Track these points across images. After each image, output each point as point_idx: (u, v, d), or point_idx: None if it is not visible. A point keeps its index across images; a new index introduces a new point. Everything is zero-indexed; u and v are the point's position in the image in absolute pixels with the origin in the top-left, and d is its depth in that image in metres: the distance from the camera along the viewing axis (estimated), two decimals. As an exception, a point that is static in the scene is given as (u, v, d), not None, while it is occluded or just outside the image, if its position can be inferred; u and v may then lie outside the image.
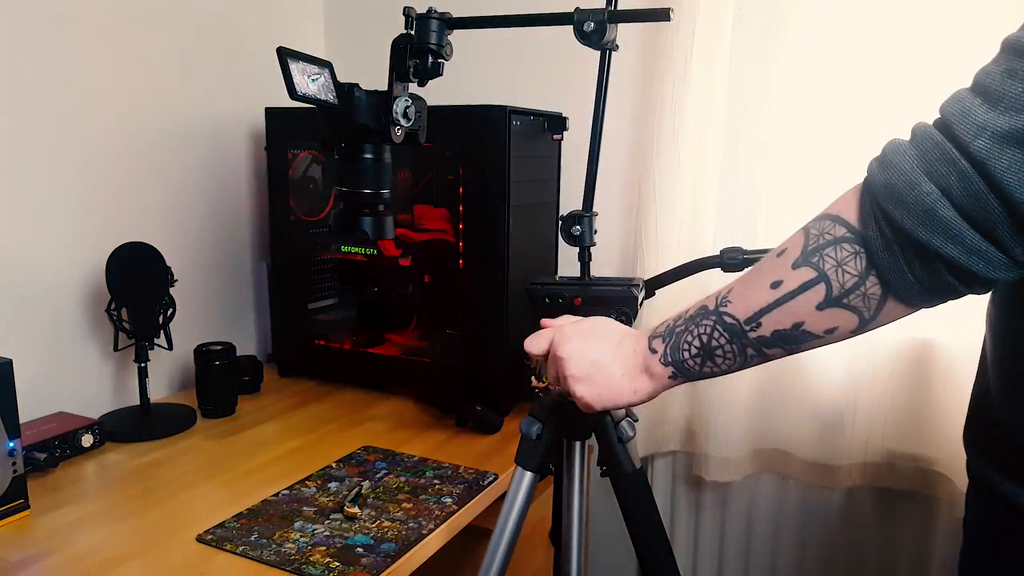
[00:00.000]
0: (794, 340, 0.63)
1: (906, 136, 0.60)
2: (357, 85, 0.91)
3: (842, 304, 0.59)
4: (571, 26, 0.82)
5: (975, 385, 0.74)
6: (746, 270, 0.68)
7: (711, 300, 0.68)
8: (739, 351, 0.66)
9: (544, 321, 0.84)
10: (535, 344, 0.82)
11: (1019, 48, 0.52)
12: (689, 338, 0.68)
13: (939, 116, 0.55)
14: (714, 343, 0.66)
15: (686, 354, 0.69)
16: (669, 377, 0.71)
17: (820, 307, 0.60)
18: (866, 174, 0.59)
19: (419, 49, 0.90)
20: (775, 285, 0.62)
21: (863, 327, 0.61)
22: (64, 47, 1.28)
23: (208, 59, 1.55)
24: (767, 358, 0.66)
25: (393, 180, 1.00)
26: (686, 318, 0.69)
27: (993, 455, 0.70)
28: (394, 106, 0.90)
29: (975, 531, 0.73)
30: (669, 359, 0.70)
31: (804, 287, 0.60)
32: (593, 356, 0.75)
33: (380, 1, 1.74)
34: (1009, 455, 0.67)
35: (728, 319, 0.65)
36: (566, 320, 0.83)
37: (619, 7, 0.82)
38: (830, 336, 0.62)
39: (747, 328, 0.64)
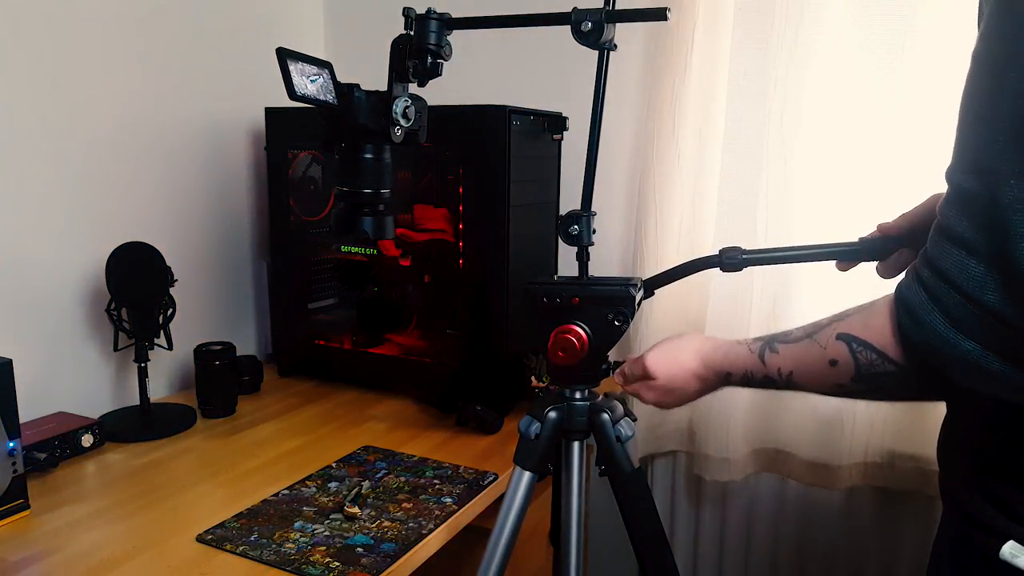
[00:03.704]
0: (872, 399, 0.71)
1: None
2: (357, 85, 0.91)
3: (909, 397, 0.69)
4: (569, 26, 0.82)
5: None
6: (790, 358, 0.72)
7: (772, 367, 0.74)
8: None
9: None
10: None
11: (966, 192, 0.55)
12: (771, 388, 0.76)
13: (935, 265, 0.57)
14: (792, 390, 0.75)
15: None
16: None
17: (889, 396, 0.71)
18: (898, 321, 0.61)
19: (418, 49, 0.90)
20: (840, 386, 0.68)
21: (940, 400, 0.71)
22: (64, 47, 1.28)
23: (208, 59, 1.55)
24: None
25: (393, 180, 1.00)
26: (760, 380, 0.76)
27: (953, 465, 0.72)
28: (394, 106, 0.90)
29: (940, 542, 0.75)
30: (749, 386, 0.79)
31: (869, 391, 0.67)
32: (679, 395, 0.86)
33: (380, 1, 1.74)
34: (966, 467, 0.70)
35: (801, 389, 0.73)
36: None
37: (618, 7, 0.82)
38: (902, 401, 0.71)
39: (822, 393, 0.72)
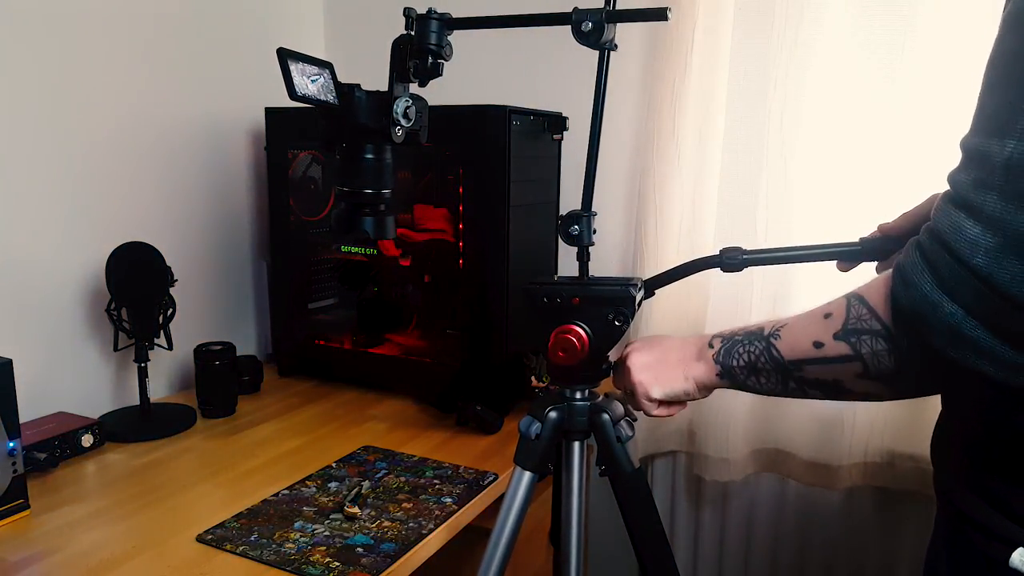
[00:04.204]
0: (833, 392, 0.68)
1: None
2: (358, 85, 0.91)
3: (880, 379, 0.64)
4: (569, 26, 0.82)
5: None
6: (792, 316, 0.72)
7: (768, 324, 0.73)
8: (780, 381, 0.72)
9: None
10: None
11: (980, 155, 0.54)
12: (741, 350, 0.74)
13: (933, 227, 0.57)
14: (760, 365, 0.73)
15: (735, 362, 0.75)
16: (717, 375, 0.78)
17: (859, 377, 0.65)
18: (892, 285, 0.60)
19: (419, 49, 0.90)
20: (818, 345, 0.67)
21: (902, 397, 0.68)
22: (64, 47, 1.28)
23: (208, 59, 1.55)
24: (807, 396, 0.72)
25: (394, 180, 1.00)
26: (746, 332, 0.75)
27: (947, 464, 0.72)
28: (395, 106, 0.90)
29: (936, 542, 0.75)
30: (720, 359, 0.77)
31: (843, 359, 0.65)
32: (657, 349, 0.84)
33: (380, 1, 1.74)
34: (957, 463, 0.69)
35: (775, 352, 0.71)
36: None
37: (618, 7, 0.82)
38: (867, 398, 0.69)
39: (791, 367, 0.70)
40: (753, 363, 0.73)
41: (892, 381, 0.64)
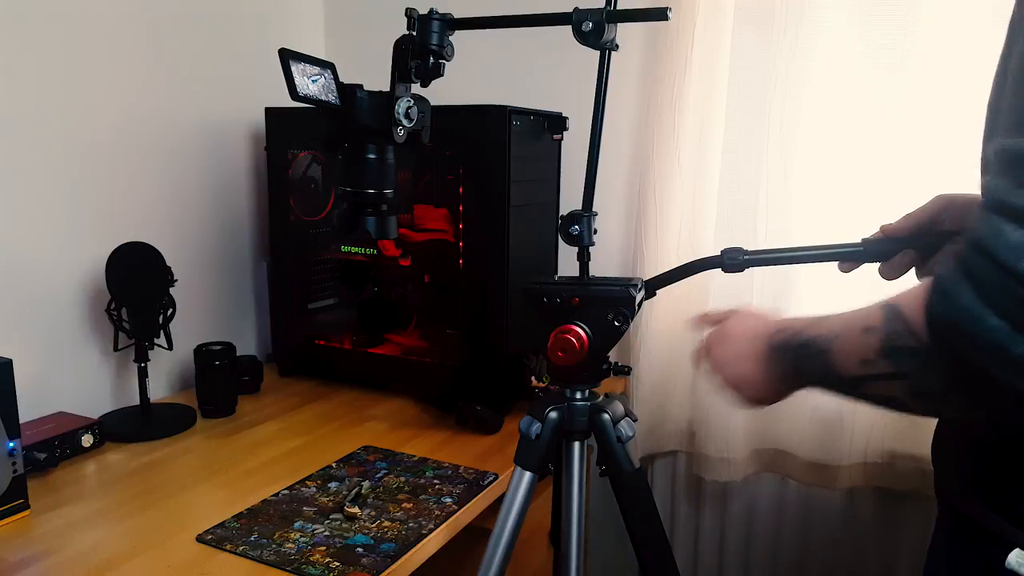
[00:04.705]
0: (898, 407, 0.64)
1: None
2: (360, 86, 0.91)
3: (930, 397, 0.60)
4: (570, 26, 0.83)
5: None
6: (840, 321, 0.67)
7: (815, 333, 0.68)
8: (852, 395, 0.67)
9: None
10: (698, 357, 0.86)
11: (1017, 157, 0.51)
12: (807, 369, 0.70)
13: (972, 234, 0.53)
14: (828, 383, 0.68)
15: (808, 381, 0.71)
16: (806, 388, 0.74)
17: (911, 396, 0.61)
18: (928, 298, 0.56)
19: (421, 50, 0.90)
20: (866, 363, 0.62)
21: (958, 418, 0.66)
22: (64, 47, 1.28)
23: (208, 60, 1.55)
24: (879, 407, 0.67)
25: (396, 180, 1.00)
26: (797, 349, 0.70)
27: (948, 466, 0.71)
28: (396, 107, 0.91)
29: (937, 543, 0.74)
30: (795, 383, 0.73)
31: (891, 376, 0.61)
32: (733, 371, 0.79)
33: (380, 2, 1.74)
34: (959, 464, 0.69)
35: (833, 374, 0.66)
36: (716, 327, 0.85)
37: (619, 6, 0.82)
38: (930, 415, 0.66)
39: (851, 385, 0.65)
40: (821, 381, 0.69)
41: (941, 400, 0.60)
